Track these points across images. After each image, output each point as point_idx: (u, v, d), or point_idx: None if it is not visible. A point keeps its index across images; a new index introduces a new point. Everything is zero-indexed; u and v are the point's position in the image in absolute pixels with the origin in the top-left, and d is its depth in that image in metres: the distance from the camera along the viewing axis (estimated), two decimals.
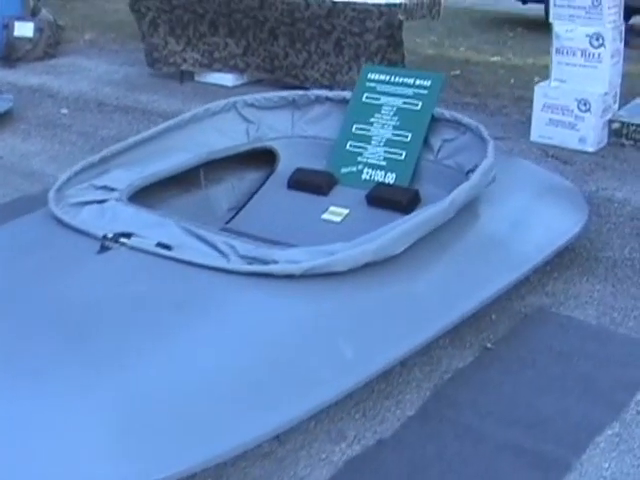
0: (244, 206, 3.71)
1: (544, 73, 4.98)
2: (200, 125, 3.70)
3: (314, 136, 3.81)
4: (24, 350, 2.36)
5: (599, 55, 4.56)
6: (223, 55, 5.94)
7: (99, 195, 3.13)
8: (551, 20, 4.68)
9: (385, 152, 3.59)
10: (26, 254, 2.85)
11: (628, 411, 2.56)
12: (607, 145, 4.76)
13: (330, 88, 5.17)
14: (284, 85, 5.52)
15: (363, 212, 3.46)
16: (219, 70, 6.03)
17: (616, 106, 4.83)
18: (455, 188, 2.99)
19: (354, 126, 3.69)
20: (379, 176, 3.57)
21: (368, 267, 2.66)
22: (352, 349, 2.47)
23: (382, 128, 3.63)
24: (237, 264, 2.62)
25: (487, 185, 3.15)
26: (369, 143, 3.64)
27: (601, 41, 4.53)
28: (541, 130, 4.79)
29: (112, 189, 3.17)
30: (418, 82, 3.64)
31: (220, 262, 2.63)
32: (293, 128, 3.85)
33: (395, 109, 3.63)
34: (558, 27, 4.64)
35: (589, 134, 4.65)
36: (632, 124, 4.75)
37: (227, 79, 6.04)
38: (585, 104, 4.60)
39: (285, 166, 3.76)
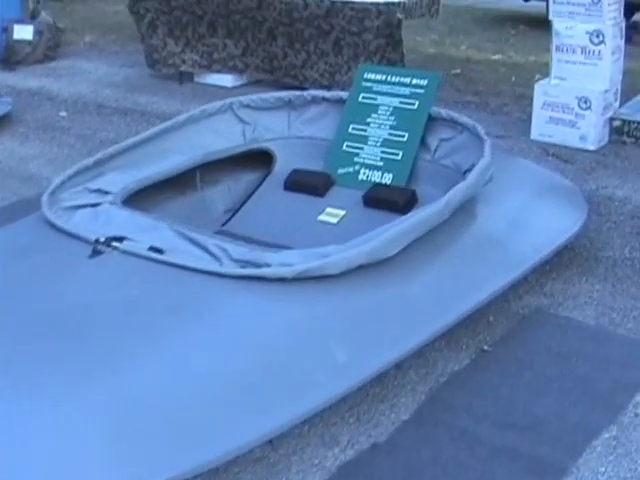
0: (240, 208, 3.68)
1: (545, 71, 4.94)
2: (196, 127, 3.68)
3: (311, 137, 3.79)
4: (16, 354, 2.34)
5: (599, 52, 4.52)
6: (222, 56, 5.92)
7: (93, 199, 3.11)
8: (550, 17, 4.64)
9: (382, 152, 3.56)
10: (18, 259, 2.83)
11: (626, 414, 2.52)
12: (608, 143, 4.72)
13: (329, 88, 5.14)
14: (283, 85, 5.49)
15: (360, 213, 3.43)
16: (218, 71, 6.01)
17: (617, 103, 4.78)
18: (452, 188, 2.96)
19: (350, 126, 3.66)
20: (376, 176, 3.54)
21: (362, 269, 2.63)
22: (345, 352, 2.44)
23: (379, 128, 3.60)
24: (230, 268, 2.60)
25: (484, 185, 3.12)
26: (366, 143, 3.61)
27: (601, 38, 4.49)
28: (541, 128, 4.76)
29: (106, 192, 3.15)
30: (415, 81, 3.60)
31: (212, 266, 2.61)
32: (289, 129, 3.83)
33: (392, 109, 3.60)
34: (558, 24, 4.60)
35: (590, 132, 4.61)
36: (633, 121, 4.71)
37: (226, 80, 6.02)
38: (585, 102, 4.56)
39: (282, 167, 3.73)
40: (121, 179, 3.26)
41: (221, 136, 3.70)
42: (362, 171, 3.58)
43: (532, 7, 7.55)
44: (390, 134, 3.57)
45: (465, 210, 3.08)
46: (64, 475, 2.04)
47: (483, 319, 3.01)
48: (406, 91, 3.60)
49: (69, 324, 2.46)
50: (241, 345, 2.41)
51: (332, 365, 2.42)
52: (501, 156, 3.91)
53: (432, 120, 3.53)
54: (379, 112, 3.63)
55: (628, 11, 5.55)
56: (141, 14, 6.06)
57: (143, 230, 2.83)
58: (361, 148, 3.61)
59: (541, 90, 4.73)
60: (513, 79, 5.98)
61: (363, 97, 3.69)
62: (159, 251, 2.69)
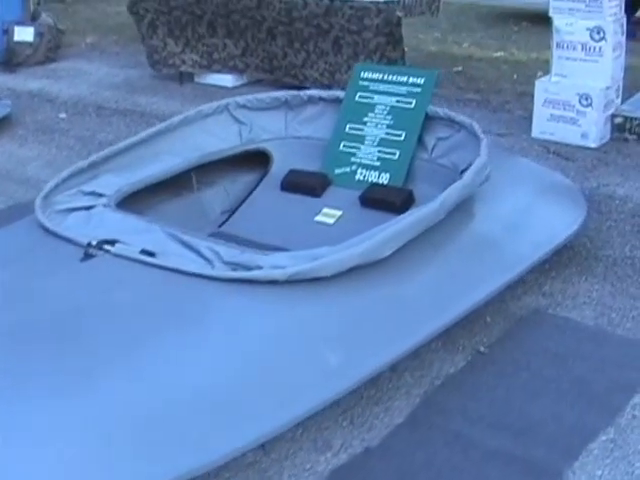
0: (237, 209, 3.66)
1: (547, 68, 4.88)
2: (191, 128, 3.66)
3: (308, 137, 3.76)
4: (4, 358, 2.32)
5: (600, 49, 4.47)
6: (222, 56, 5.90)
7: (87, 201, 3.09)
8: (551, 14, 4.60)
9: (379, 152, 3.53)
10: (10, 262, 2.82)
11: (623, 415, 2.49)
12: (610, 140, 4.67)
13: (330, 87, 5.12)
14: (284, 85, 5.47)
15: (356, 213, 3.41)
16: (218, 71, 5.99)
17: (619, 100, 4.73)
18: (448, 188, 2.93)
19: (347, 126, 3.63)
20: (373, 176, 3.51)
21: (355, 270, 2.60)
22: (338, 355, 2.42)
23: (375, 127, 3.57)
24: (221, 270, 2.58)
25: (480, 184, 3.09)
26: (362, 143, 3.58)
27: (602, 34, 4.44)
28: (542, 126, 4.71)
29: (100, 195, 3.13)
30: (411, 80, 3.57)
31: (204, 269, 2.59)
32: (286, 129, 3.80)
33: (388, 108, 3.57)
34: (558, 21, 4.55)
35: (591, 129, 4.57)
36: (636, 118, 4.66)
37: (227, 80, 5.99)
38: (586, 99, 4.52)
39: (279, 168, 3.70)
40: (116, 181, 3.24)
41: (217, 137, 3.68)
42: (359, 171, 3.55)
43: (535, 4, 7.48)
44: (387, 133, 3.54)
45: (462, 210, 3.05)
46: None
47: (480, 320, 2.97)
48: (403, 90, 3.57)
49: (59, 328, 2.44)
50: (233, 348, 2.39)
51: (324, 368, 2.40)
52: (500, 155, 3.88)
53: (429, 119, 3.50)
54: (376, 111, 3.60)
55: (632, 6, 5.52)
56: (141, 14, 6.04)
57: (136, 233, 2.81)
58: (358, 148, 3.58)
59: (542, 87, 4.69)
60: (515, 76, 5.93)
61: (360, 96, 3.66)
62: (151, 254, 2.67)
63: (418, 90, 3.53)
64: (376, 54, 5.24)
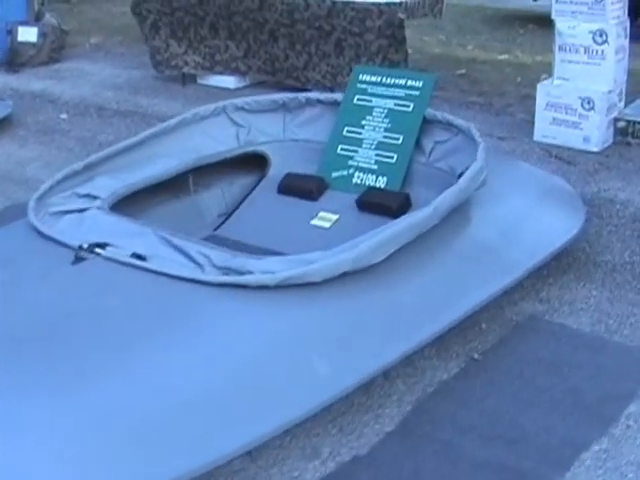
0: (233, 212, 3.64)
1: (552, 71, 4.83)
2: (188, 130, 3.64)
3: (306, 139, 3.74)
4: None
5: (603, 52, 4.43)
6: (224, 58, 5.88)
7: (81, 204, 3.08)
8: (553, 17, 4.56)
9: (376, 155, 3.50)
10: (1, 265, 2.80)
11: (617, 426, 2.45)
12: (613, 144, 4.63)
13: (332, 90, 5.09)
14: (286, 87, 5.44)
15: (353, 217, 3.38)
16: (221, 73, 5.96)
17: (622, 104, 4.69)
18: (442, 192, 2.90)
19: (345, 129, 3.61)
20: (370, 180, 3.49)
21: (348, 275, 2.58)
22: (328, 362, 2.39)
23: (373, 131, 3.55)
24: (212, 275, 2.55)
25: (476, 189, 3.05)
26: (360, 146, 3.55)
27: (605, 37, 4.40)
28: (544, 130, 4.67)
29: (95, 197, 3.12)
30: (410, 83, 3.54)
31: (194, 273, 2.56)
32: (284, 132, 3.78)
33: (386, 111, 3.54)
34: (560, 24, 4.51)
35: (593, 133, 4.53)
36: (638, 122, 4.61)
37: (229, 82, 5.97)
38: (589, 102, 4.47)
39: (276, 170, 3.68)
40: (111, 184, 3.22)
41: (214, 139, 3.65)
42: (356, 174, 3.52)
43: (541, 6, 7.43)
44: (385, 137, 3.51)
45: (458, 214, 3.02)
46: None
47: (475, 326, 2.94)
48: (401, 93, 3.54)
49: (48, 332, 2.42)
50: (221, 353, 2.37)
51: (314, 375, 2.37)
52: (499, 158, 3.85)
53: (427, 122, 3.47)
54: (374, 114, 3.57)
55: (636, 9, 5.47)
56: (143, 15, 6.03)
57: (127, 236, 2.79)
58: (355, 151, 3.55)
59: (544, 91, 4.65)
60: (519, 79, 5.89)
61: (358, 99, 3.63)
62: (141, 258, 2.65)
63: (416, 93, 3.50)
64: (378, 56, 5.21)
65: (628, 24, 4.58)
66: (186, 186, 3.62)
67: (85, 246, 2.71)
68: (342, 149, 3.58)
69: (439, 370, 2.72)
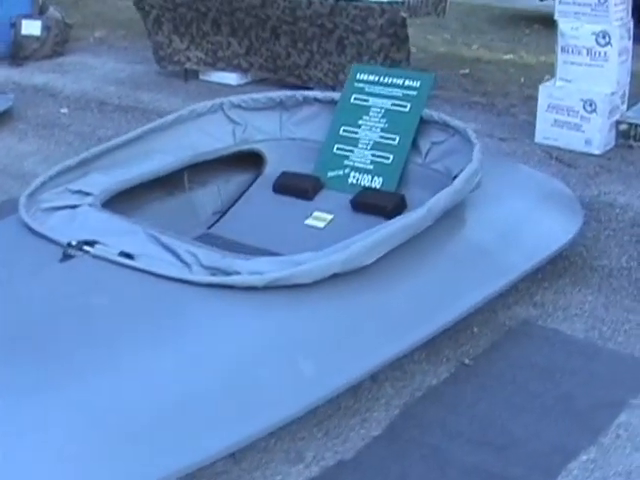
0: (228, 210, 3.62)
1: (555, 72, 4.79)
2: (185, 126, 3.61)
3: (302, 138, 3.70)
4: None
5: (605, 54, 4.39)
6: (226, 54, 5.85)
7: (73, 200, 3.05)
8: (556, 17, 4.51)
9: (372, 155, 3.47)
10: None
11: (607, 434, 2.42)
12: (614, 147, 4.58)
13: (333, 88, 5.06)
14: (288, 85, 5.42)
15: (347, 218, 3.35)
16: (223, 69, 5.94)
17: (624, 106, 4.64)
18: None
19: (342, 128, 3.57)
20: (366, 180, 3.46)
21: (338, 277, 2.55)
22: (314, 364, 2.36)
23: (370, 130, 3.51)
24: (199, 275, 2.53)
25: (471, 191, 3.02)
26: (356, 146, 3.52)
27: (608, 39, 4.35)
28: (546, 131, 4.63)
29: (87, 194, 3.09)
30: (407, 83, 3.51)
31: (182, 273, 2.54)
32: (281, 130, 3.75)
33: (383, 111, 3.51)
34: (563, 25, 4.47)
35: (595, 136, 4.48)
36: None
37: (231, 78, 5.95)
38: (591, 104, 4.43)
39: (272, 169, 3.65)
40: (104, 180, 3.20)
41: (211, 136, 3.63)
42: (352, 174, 3.49)
43: (548, 6, 7.37)
44: (381, 137, 3.48)
45: (453, 216, 2.99)
46: None
47: (467, 330, 2.91)
48: (398, 93, 3.50)
49: (33, 330, 2.40)
50: (208, 355, 2.34)
51: (300, 377, 2.34)
52: (497, 160, 3.82)
53: (424, 122, 3.43)
54: (370, 114, 3.54)
55: None
56: (146, 10, 6.01)
57: (117, 234, 2.77)
58: (351, 151, 3.52)
59: (546, 92, 4.60)
60: (522, 80, 5.84)
61: (355, 98, 3.60)
62: (129, 256, 2.62)
63: (414, 93, 3.47)
64: (380, 55, 5.17)
65: (632, 26, 4.54)
66: (181, 183, 3.60)
67: (74, 243, 2.69)
68: (338, 149, 3.55)
69: (428, 374, 2.69)
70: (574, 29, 4.42)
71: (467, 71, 6.10)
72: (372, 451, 2.35)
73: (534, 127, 4.74)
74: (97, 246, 2.67)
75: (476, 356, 2.79)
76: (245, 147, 3.68)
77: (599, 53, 4.40)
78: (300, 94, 3.77)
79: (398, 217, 2.82)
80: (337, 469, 2.29)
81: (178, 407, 2.21)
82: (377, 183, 3.42)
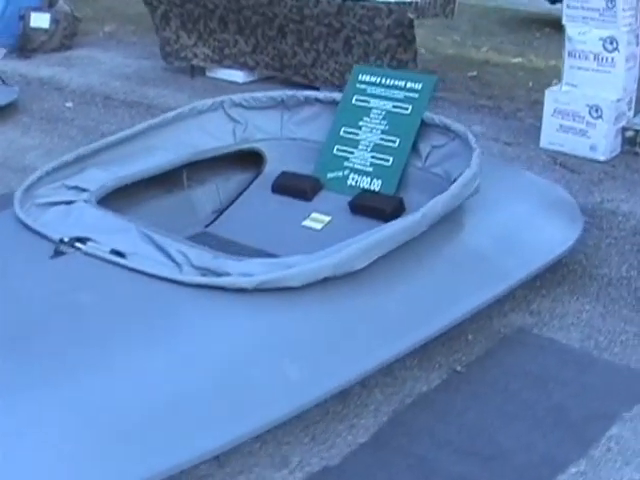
0: (226, 209, 3.59)
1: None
2: (185, 124, 3.59)
3: (303, 138, 3.68)
4: None
5: (613, 59, 4.34)
6: (233, 52, 5.82)
7: (69, 196, 3.04)
8: (564, 22, 4.47)
9: (372, 157, 3.44)
10: None
11: (598, 447, 2.38)
12: (620, 154, 4.54)
13: (340, 88, 5.01)
14: (294, 84, 5.40)
15: (345, 220, 3.32)
16: (229, 67, 5.91)
17: (631, 113, 4.59)
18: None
19: (342, 129, 3.54)
20: (365, 182, 3.43)
21: (330, 280, 2.52)
22: (301, 368, 2.34)
23: (370, 132, 3.48)
24: (189, 275, 2.50)
25: (469, 196, 2.98)
26: (356, 147, 3.49)
27: (615, 45, 4.31)
28: (551, 136, 4.59)
29: (83, 190, 3.08)
30: (409, 85, 3.47)
31: (172, 272, 2.52)
32: (282, 130, 3.72)
33: (384, 113, 3.48)
34: (570, 29, 4.42)
35: (600, 142, 4.44)
36: None
37: (238, 75, 5.92)
38: (597, 110, 4.39)
39: (272, 169, 3.63)
40: (101, 176, 3.18)
41: (211, 135, 3.61)
42: (351, 176, 3.46)
43: (559, 10, 7.30)
44: (381, 139, 3.45)
45: (450, 221, 2.96)
46: None
47: (461, 337, 2.88)
48: (400, 95, 3.47)
49: (23, 327, 2.38)
50: (195, 355, 2.32)
51: (287, 381, 2.32)
52: (497, 165, 3.79)
53: (425, 125, 3.40)
54: (371, 116, 3.51)
55: None
56: (154, 5, 6.00)
57: (110, 232, 2.75)
58: (351, 152, 3.49)
59: (552, 97, 4.56)
60: (530, 84, 5.79)
61: (356, 99, 3.57)
62: (120, 255, 2.60)
63: (415, 96, 3.44)
64: (387, 55, 5.14)
65: None
66: (180, 181, 3.58)
67: (66, 240, 2.67)
68: (338, 150, 3.52)
69: (420, 381, 2.65)
70: (581, 34, 4.38)
71: (475, 74, 6.06)
72: (358, 458, 2.33)
73: (540, 132, 4.70)
74: (89, 243, 2.66)
75: (469, 363, 2.76)
76: (245, 146, 3.66)
77: (606, 59, 4.35)
78: (301, 94, 3.74)
79: (393, 222, 2.78)
80: (322, 475, 2.27)
81: (168, 407, 2.19)
82: (376, 186, 3.39)
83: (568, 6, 4.40)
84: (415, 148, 3.39)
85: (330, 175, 3.50)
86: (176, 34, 6.00)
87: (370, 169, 3.43)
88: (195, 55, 6.00)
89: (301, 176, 3.52)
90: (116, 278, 2.54)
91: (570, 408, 2.55)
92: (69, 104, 5.51)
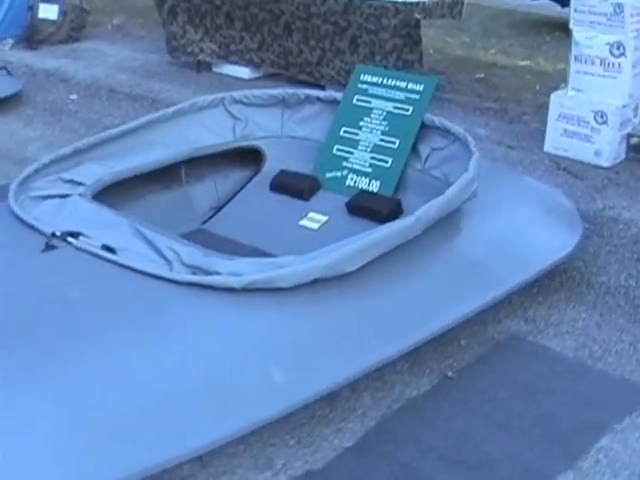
0: (223, 207, 3.57)
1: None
2: (184, 120, 3.58)
3: (303, 137, 3.66)
4: None
5: (619, 65, 4.29)
6: (239, 48, 5.80)
7: (64, 189, 3.02)
8: (571, 26, 4.43)
9: (371, 158, 3.41)
10: None
11: (587, 459, 2.34)
12: (624, 160, 4.49)
13: (345, 87, 4.99)
14: (300, 82, 5.37)
15: (342, 220, 3.30)
16: (236, 63, 5.89)
17: (637, 119, 4.54)
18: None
19: (342, 129, 3.52)
20: (363, 183, 3.40)
21: (320, 282, 2.49)
22: (287, 370, 2.31)
23: (370, 133, 3.46)
24: (179, 273, 2.49)
25: (465, 200, 2.95)
26: (356, 148, 3.46)
27: (622, 50, 4.26)
28: (555, 141, 4.55)
29: (79, 184, 3.06)
30: (410, 86, 3.44)
31: (162, 270, 2.50)
32: (282, 128, 3.70)
33: (385, 113, 3.45)
34: (578, 34, 4.38)
35: (605, 148, 4.39)
36: None
37: (244, 72, 5.90)
38: (602, 116, 4.34)
39: (271, 167, 3.61)
40: (98, 170, 3.17)
41: (210, 131, 3.59)
42: (350, 176, 3.44)
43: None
44: (381, 140, 3.42)
45: (447, 225, 2.93)
46: None
47: (454, 342, 2.85)
48: (401, 96, 3.44)
49: (13, 321, 2.37)
50: (178, 356, 2.30)
51: (272, 382, 2.30)
52: (498, 169, 3.76)
53: (425, 127, 3.37)
54: (372, 116, 3.48)
55: None
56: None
57: (102, 227, 2.74)
58: (351, 152, 3.47)
59: (557, 101, 4.52)
60: (537, 87, 5.74)
61: (357, 99, 3.54)
62: (111, 250, 2.59)
63: (416, 97, 3.41)
64: (392, 55, 5.10)
65: None
66: (178, 177, 3.56)
67: (58, 234, 2.66)
68: (338, 149, 3.49)
69: (409, 386, 2.63)
70: (588, 38, 4.33)
71: (482, 76, 6.02)
72: (342, 463, 2.30)
73: (545, 136, 4.66)
74: (81, 238, 2.64)
75: (460, 369, 2.73)
76: (245, 143, 3.64)
77: (613, 64, 4.31)
78: (302, 92, 3.72)
79: (386, 224, 2.75)
80: (304, 479, 2.24)
81: (154, 404, 2.18)
82: (375, 186, 3.37)
83: (576, 10, 4.36)
84: (415, 150, 3.36)
85: (329, 175, 3.47)
86: (183, 29, 5.98)
87: (369, 170, 3.41)
88: (201, 50, 5.98)
89: (299, 175, 3.50)
90: (107, 274, 2.53)
91: (560, 418, 2.52)
92: (73, 96, 5.50)
